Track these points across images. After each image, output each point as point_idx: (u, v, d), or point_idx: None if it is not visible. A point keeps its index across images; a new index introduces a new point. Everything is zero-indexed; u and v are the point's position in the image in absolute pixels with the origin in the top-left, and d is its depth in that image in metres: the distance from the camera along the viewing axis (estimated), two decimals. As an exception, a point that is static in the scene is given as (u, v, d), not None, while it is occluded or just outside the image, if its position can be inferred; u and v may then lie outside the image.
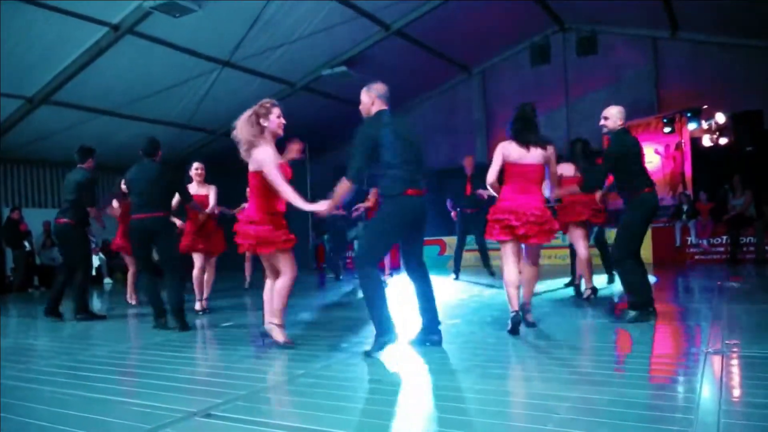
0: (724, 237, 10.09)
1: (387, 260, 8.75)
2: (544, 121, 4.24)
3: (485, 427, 2.22)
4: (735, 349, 3.31)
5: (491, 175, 4.17)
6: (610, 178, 4.78)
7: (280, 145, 4.01)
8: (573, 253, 6.47)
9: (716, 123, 11.11)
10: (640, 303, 4.33)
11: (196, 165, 6.18)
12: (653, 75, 12.38)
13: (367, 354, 3.53)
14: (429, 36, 11.73)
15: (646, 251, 10.72)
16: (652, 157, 11.88)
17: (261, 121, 3.81)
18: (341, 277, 9.83)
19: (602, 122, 4.52)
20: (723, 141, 11.20)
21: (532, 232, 4.02)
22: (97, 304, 7.86)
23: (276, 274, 3.93)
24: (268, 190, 3.79)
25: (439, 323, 3.79)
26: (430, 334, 3.74)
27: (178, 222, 5.97)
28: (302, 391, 2.87)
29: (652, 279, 7.67)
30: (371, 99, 3.71)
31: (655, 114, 12.02)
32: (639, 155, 4.52)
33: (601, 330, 4.25)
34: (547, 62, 12.81)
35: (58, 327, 5.64)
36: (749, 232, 9.77)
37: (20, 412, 2.64)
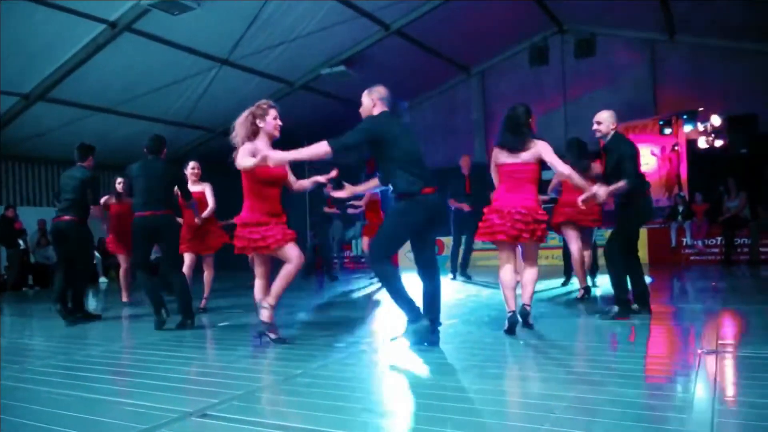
0: (719, 238, 10.14)
1: None
2: (542, 121, 4.27)
3: (483, 426, 2.23)
4: (729, 349, 3.34)
5: (494, 178, 4.27)
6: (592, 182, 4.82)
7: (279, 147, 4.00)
8: (567, 254, 6.50)
9: (712, 126, 11.18)
10: (624, 300, 4.48)
11: (192, 164, 6.16)
12: (650, 77, 12.43)
13: (399, 338, 3.60)
14: (428, 36, 11.74)
15: (642, 251, 10.76)
16: (649, 159, 11.93)
17: (257, 121, 3.83)
18: (337, 276, 9.79)
19: (595, 126, 4.60)
20: (718, 143, 11.27)
21: (516, 232, 3.99)
22: (92, 303, 7.83)
23: (265, 276, 4.02)
24: (260, 191, 3.81)
25: (439, 324, 3.80)
26: (429, 334, 3.74)
27: (179, 220, 5.92)
28: (299, 390, 2.87)
29: (647, 279, 7.74)
30: (373, 102, 3.75)
31: (651, 116, 12.08)
32: (637, 157, 4.56)
33: (597, 330, 4.27)
34: (545, 63, 12.84)
35: (53, 326, 5.61)
36: (744, 234, 9.82)
37: (16, 412, 2.63)
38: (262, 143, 3.81)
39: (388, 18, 10.77)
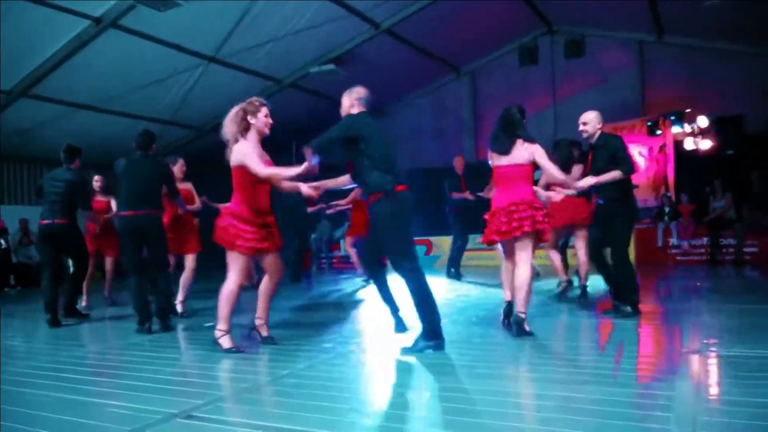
0: (705, 238, 10.24)
1: (357, 261, 8.70)
2: (532, 121, 4.30)
3: (471, 426, 2.23)
4: (713, 349, 3.37)
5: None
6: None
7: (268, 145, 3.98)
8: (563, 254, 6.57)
9: (699, 127, 11.29)
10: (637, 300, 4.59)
11: (181, 161, 6.08)
12: (639, 78, 12.53)
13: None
14: (418, 35, 11.73)
15: (629, 251, 10.85)
16: (637, 159, 12.02)
17: (249, 117, 3.81)
18: (302, 279, 9.67)
19: (581, 127, 4.65)
20: (705, 144, 11.38)
21: (516, 223, 3.97)
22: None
23: (271, 273, 3.92)
24: (251, 185, 3.78)
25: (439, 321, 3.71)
26: (432, 339, 3.64)
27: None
28: (286, 391, 2.85)
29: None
30: (351, 102, 3.82)
31: (639, 116, 12.17)
32: (627, 151, 4.62)
33: (584, 330, 4.30)
34: (535, 63, 12.91)
35: (36, 327, 5.53)
36: (729, 234, 9.93)
37: (-3, 414, 2.58)
38: (252, 140, 3.80)
39: (378, 17, 10.75)
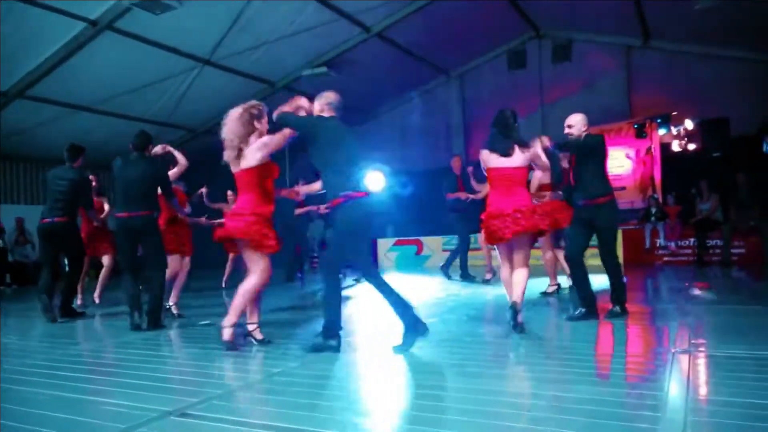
0: (692, 240, 10.35)
1: None
2: (521, 124, 4.37)
3: (460, 425, 2.26)
4: (701, 349, 3.41)
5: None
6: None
7: None
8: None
9: (685, 129, 11.45)
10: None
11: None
12: (625, 82, 12.66)
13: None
14: (409, 39, 11.81)
15: (617, 252, 10.95)
16: (624, 162, 12.17)
17: (254, 122, 3.84)
18: (295, 279, 9.69)
19: (567, 130, 4.66)
20: (691, 147, 11.54)
21: (509, 230, 4.09)
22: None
23: (262, 274, 3.90)
24: (262, 187, 3.82)
25: (340, 327, 3.73)
26: (328, 339, 3.66)
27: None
28: (279, 389, 2.88)
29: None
30: (321, 107, 3.83)
31: (626, 119, 12.31)
32: (602, 150, 4.64)
33: (574, 330, 4.34)
34: (523, 67, 13.01)
35: (31, 325, 5.53)
36: (716, 235, 10.04)
37: (-7, 412, 2.60)
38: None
39: (369, 21, 10.81)
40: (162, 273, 5.01)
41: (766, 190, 9.54)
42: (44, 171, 12.06)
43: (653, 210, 10.77)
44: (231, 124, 3.82)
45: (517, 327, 4.02)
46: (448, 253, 12.32)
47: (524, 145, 4.21)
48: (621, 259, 10.72)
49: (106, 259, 6.90)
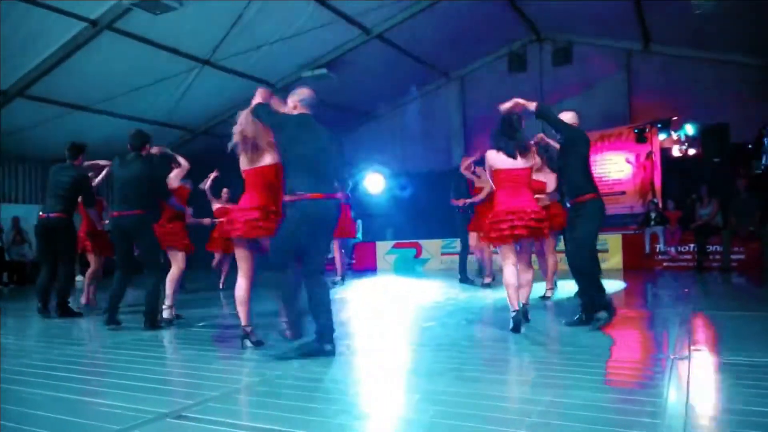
0: (692, 245, 10.35)
1: (339, 262, 8.73)
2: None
3: (458, 429, 2.24)
4: (701, 355, 3.40)
5: (490, 182, 4.49)
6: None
7: None
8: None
9: (686, 134, 11.46)
10: (608, 304, 4.39)
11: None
12: (626, 86, 12.67)
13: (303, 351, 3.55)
14: (409, 41, 11.81)
15: (617, 258, 10.96)
16: (624, 166, 12.18)
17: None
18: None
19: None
20: (692, 152, 11.55)
21: (527, 232, 4.20)
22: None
23: (248, 274, 3.85)
24: (275, 185, 3.80)
25: (333, 331, 3.66)
26: (324, 343, 3.60)
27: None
28: (276, 392, 2.86)
29: (622, 284, 7.89)
30: (294, 103, 3.78)
31: (627, 124, 12.32)
32: (587, 156, 4.46)
33: (573, 335, 4.32)
34: (523, 70, 13.01)
35: (28, 325, 5.52)
36: (715, 241, 10.05)
37: (-13, 412, 2.58)
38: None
39: (369, 22, 10.81)
40: (156, 273, 4.96)
41: (766, 196, 9.55)
42: (43, 170, 12.15)
43: (653, 215, 10.77)
44: (250, 125, 3.79)
45: (517, 328, 4.08)
46: (446, 257, 12.35)
47: (525, 149, 4.25)
48: (621, 265, 10.79)
49: (91, 259, 6.78)
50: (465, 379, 3.03)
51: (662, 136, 11.76)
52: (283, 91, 12.73)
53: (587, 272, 4.36)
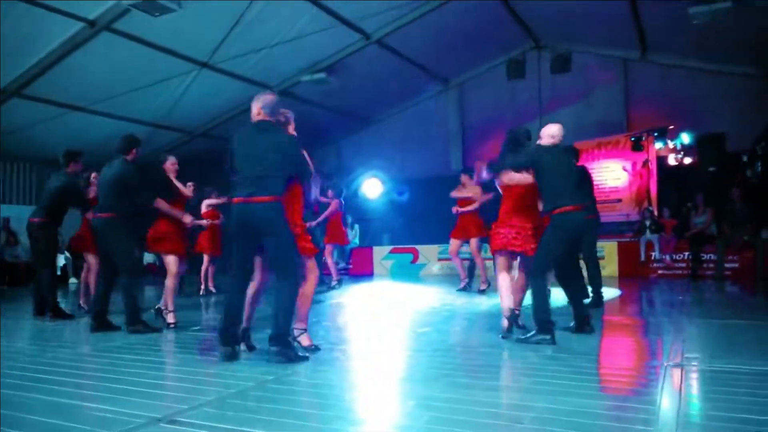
0: (686, 253, 10.39)
1: (332, 267, 8.72)
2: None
3: (451, 435, 2.24)
4: (694, 363, 3.41)
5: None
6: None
7: None
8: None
9: (682, 143, 11.52)
10: (544, 322, 4.11)
11: (172, 159, 5.94)
12: (623, 94, 12.75)
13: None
14: (408, 47, 11.84)
15: (612, 265, 10.99)
16: (620, 174, 12.23)
17: (288, 129, 3.89)
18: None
19: (551, 140, 4.42)
20: (687, 161, 11.61)
21: (530, 246, 4.27)
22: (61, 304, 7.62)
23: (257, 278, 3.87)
24: (293, 197, 3.81)
25: (280, 339, 3.57)
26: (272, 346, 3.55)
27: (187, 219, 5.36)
28: (270, 397, 2.86)
29: (617, 292, 7.91)
30: (257, 109, 3.75)
31: (623, 132, 12.38)
32: (567, 174, 4.34)
33: (566, 341, 4.33)
34: (522, 77, 13.07)
35: (20, 327, 5.49)
36: (710, 249, 10.08)
37: (-22, 415, 2.57)
38: None
39: (369, 28, 10.84)
40: (125, 277, 4.92)
41: (760, 205, 9.59)
42: (38, 171, 12.11)
43: (648, 223, 10.80)
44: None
45: (509, 333, 4.16)
46: (443, 262, 12.33)
47: (518, 169, 4.30)
48: (616, 272, 10.81)
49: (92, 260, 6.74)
50: (459, 385, 3.03)
51: (658, 145, 11.83)
52: (283, 95, 12.84)
53: (571, 282, 4.58)
